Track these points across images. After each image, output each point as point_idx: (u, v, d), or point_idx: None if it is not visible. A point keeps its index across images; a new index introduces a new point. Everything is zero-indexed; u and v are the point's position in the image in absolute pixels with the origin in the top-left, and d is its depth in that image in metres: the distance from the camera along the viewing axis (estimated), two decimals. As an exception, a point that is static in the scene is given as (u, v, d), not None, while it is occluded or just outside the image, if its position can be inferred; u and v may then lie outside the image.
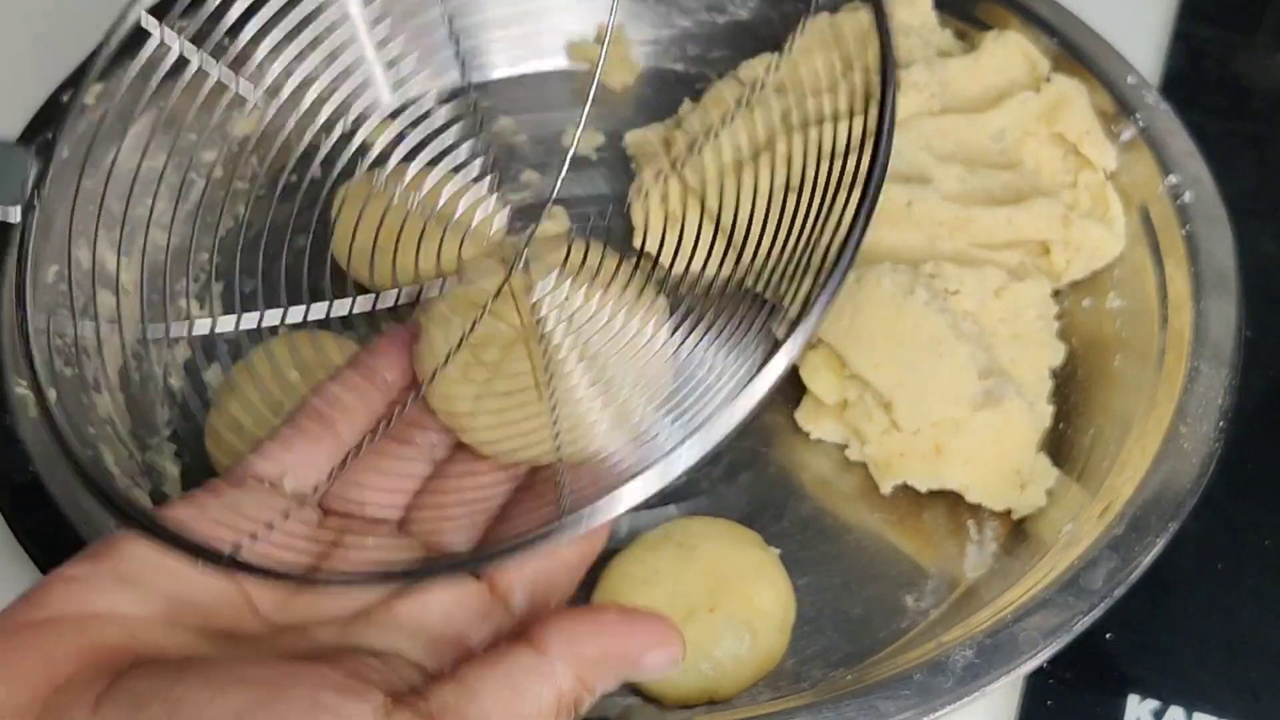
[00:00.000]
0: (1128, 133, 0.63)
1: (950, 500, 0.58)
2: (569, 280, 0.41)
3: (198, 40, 0.47)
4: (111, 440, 0.56)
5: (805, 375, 0.59)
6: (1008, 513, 0.57)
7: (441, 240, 0.52)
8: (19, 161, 0.38)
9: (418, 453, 0.42)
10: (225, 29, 0.54)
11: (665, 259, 0.67)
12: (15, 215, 0.37)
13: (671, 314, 0.40)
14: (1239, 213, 0.60)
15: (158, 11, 0.46)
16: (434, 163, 0.54)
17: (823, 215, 0.37)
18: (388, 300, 0.52)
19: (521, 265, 0.43)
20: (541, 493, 0.39)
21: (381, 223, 0.54)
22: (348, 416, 0.41)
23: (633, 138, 0.71)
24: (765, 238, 0.39)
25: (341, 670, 0.30)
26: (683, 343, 0.38)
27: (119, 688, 0.28)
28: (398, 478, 0.41)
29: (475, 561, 0.33)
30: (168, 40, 0.44)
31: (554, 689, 0.31)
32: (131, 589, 0.31)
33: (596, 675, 0.32)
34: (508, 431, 0.39)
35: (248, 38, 0.54)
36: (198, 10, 0.49)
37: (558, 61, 0.76)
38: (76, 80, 0.62)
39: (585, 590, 0.55)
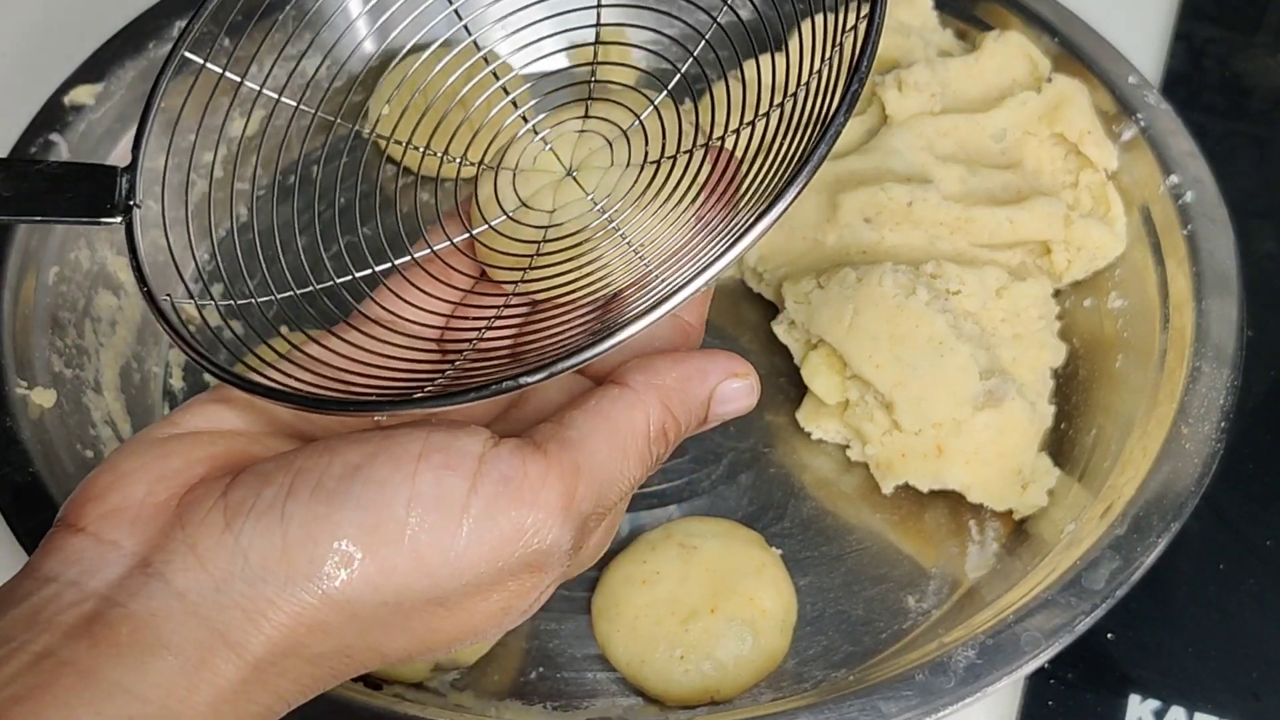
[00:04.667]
0: (1129, 133, 0.63)
1: (952, 500, 0.58)
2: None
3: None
4: (112, 441, 0.56)
5: (806, 376, 0.59)
6: (1009, 513, 0.57)
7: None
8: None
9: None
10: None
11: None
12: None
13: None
14: (1240, 213, 0.60)
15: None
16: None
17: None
18: None
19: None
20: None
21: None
22: (436, 311, 0.39)
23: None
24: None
25: (448, 421, 0.33)
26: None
27: (247, 472, 0.32)
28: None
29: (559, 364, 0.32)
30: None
31: (642, 412, 0.33)
32: (257, 413, 0.35)
33: (679, 401, 0.34)
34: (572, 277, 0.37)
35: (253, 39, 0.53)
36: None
37: (558, 61, 0.76)
38: (77, 81, 0.62)
39: (586, 590, 0.55)
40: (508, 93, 0.48)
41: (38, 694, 0.28)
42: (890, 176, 0.61)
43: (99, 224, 0.40)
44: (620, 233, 0.37)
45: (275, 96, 0.48)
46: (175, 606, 0.30)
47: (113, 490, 0.32)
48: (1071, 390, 0.61)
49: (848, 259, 0.61)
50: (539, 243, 0.39)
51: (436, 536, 0.30)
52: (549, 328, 0.37)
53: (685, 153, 0.40)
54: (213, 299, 0.41)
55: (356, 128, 0.51)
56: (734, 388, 0.35)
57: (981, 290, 0.58)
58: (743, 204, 0.36)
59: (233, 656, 0.30)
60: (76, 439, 0.54)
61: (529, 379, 0.31)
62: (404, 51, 0.52)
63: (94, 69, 0.63)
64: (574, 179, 0.40)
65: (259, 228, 0.66)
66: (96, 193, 0.40)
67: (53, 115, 0.61)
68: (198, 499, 0.31)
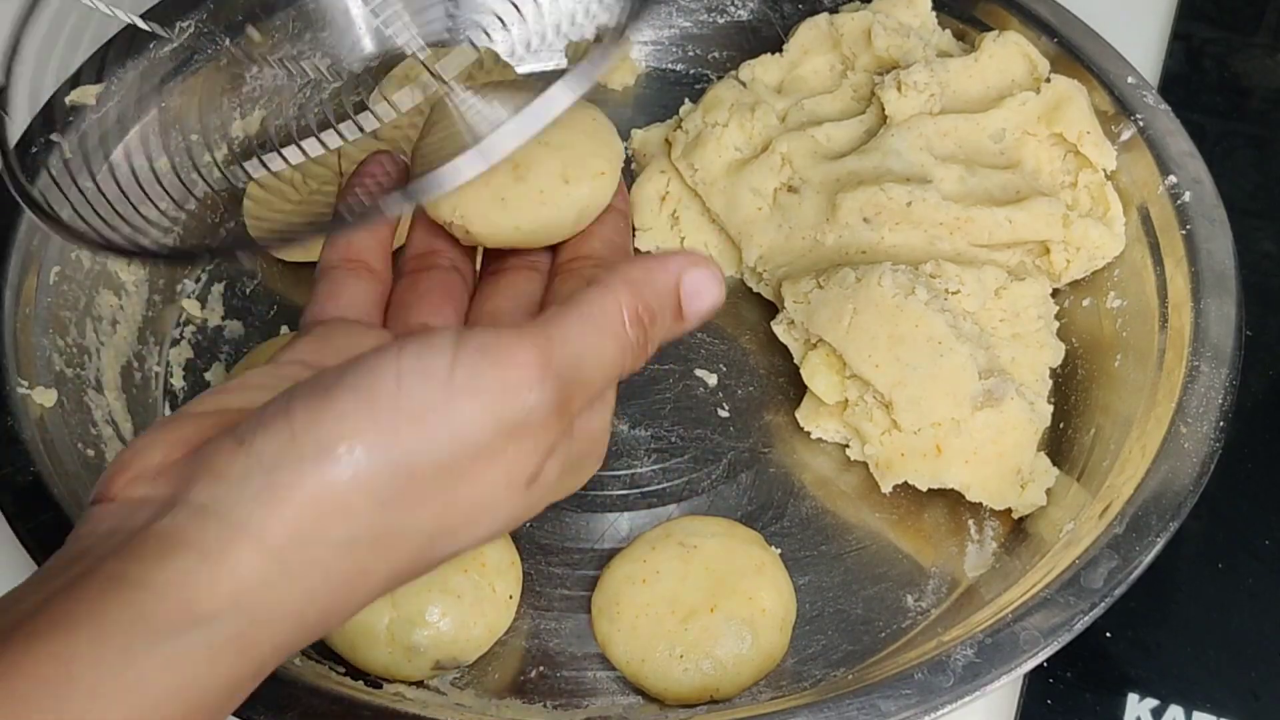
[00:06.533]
0: (1127, 133, 0.64)
1: (951, 499, 0.58)
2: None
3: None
4: (113, 441, 0.56)
5: (806, 375, 0.59)
6: (1008, 512, 0.57)
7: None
8: None
9: (446, 270, 0.45)
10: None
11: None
12: None
13: None
14: (1238, 213, 0.61)
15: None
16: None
17: None
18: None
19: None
20: None
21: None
22: (370, 250, 0.44)
23: (634, 138, 0.71)
24: None
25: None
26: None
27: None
28: (442, 295, 0.44)
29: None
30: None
31: (613, 297, 0.36)
32: (270, 393, 0.35)
33: (648, 289, 0.36)
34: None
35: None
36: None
37: (558, 62, 0.76)
38: (77, 82, 0.62)
39: (586, 588, 0.55)
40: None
41: (61, 599, 0.30)
42: (889, 176, 0.61)
43: None
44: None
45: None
46: (197, 515, 0.31)
47: (133, 462, 0.34)
48: (1070, 390, 0.61)
49: (847, 259, 0.61)
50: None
51: (429, 401, 0.32)
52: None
53: None
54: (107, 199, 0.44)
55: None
56: (699, 276, 0.37)
57: (980, 290, 0.58)
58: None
59: (252, 544, 0.31)
60: (78, 438, 0.55)
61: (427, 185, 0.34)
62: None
63: (94, 69, 0.63)
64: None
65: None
66: None
67: (53, 115, 0.61)
68: (211, 439, 0.34)
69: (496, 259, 0.45)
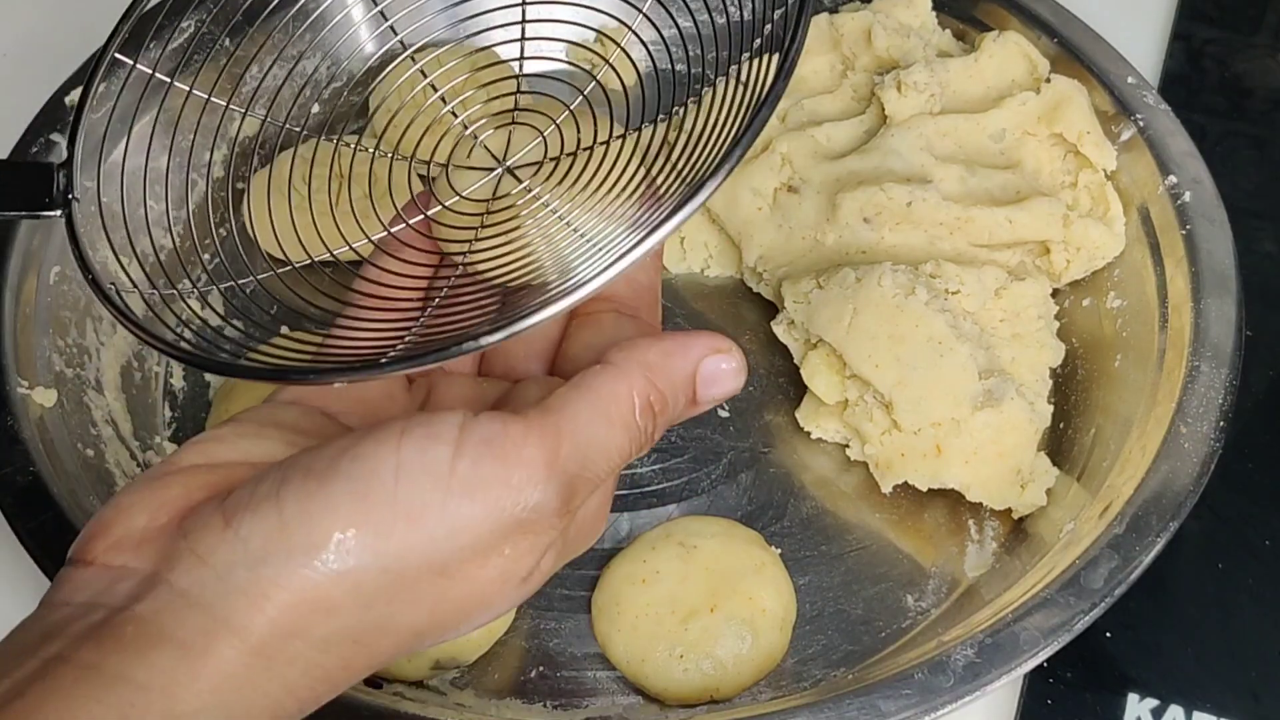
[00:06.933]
0: (1127, 133, 0.64)
1: (951, 499, 0.58)
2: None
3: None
4: (113, 441, 0.56)
5: (806, 375, 0.59)
6: (1008, 512, 0.57)
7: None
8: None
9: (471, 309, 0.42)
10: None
11: (666, 260, 0.67)
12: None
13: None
14: (1238, 213, 0.61)
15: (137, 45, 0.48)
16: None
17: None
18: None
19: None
20: None
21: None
22: (401, 289, 0.41)
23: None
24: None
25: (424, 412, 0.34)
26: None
27: (243, 481, 0.33)
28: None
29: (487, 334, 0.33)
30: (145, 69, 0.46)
31: (625, 383, 0.34)
32: (262, 440, 0.35)
33: (662, 376, 0.34)
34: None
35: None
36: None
37: (558, 62, 0.76)
38: (77, 81, 0.62)
39: (586, 589, 0.55)
40: (435, 88, 0.49)
41: (38, 689, 0.29)
42: (890, 177, 0.61)
43: (39, 217, 0.41)
44: (553, 211, 0.39)
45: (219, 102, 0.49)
46: (179, 603, 0.30)
47: (115, 523, 0.32)
48: (1070, 390, 0.61)
49: (847, 259, 0.61)
50: (477, 228, 0.40)
51: (427, 499, 0.31)
52: (496, 298, 0.39)
53: (602, 143, 0.41)
54: (156, 289, 0.42)
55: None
56: (720, 368, 0.35)
57: (980, 290, 0.58)
58: (668, 187, 0.38)
59: (235, 641, 0.30)
60: (77, 438, 0.55)
61: (489, 338, 0.32)
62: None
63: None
64: (510, 173, 0.42)
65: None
66: (35, 188, 0.41)
67: (53, 115, 0.61)
68: (197, 511, 0.32)
69: None
